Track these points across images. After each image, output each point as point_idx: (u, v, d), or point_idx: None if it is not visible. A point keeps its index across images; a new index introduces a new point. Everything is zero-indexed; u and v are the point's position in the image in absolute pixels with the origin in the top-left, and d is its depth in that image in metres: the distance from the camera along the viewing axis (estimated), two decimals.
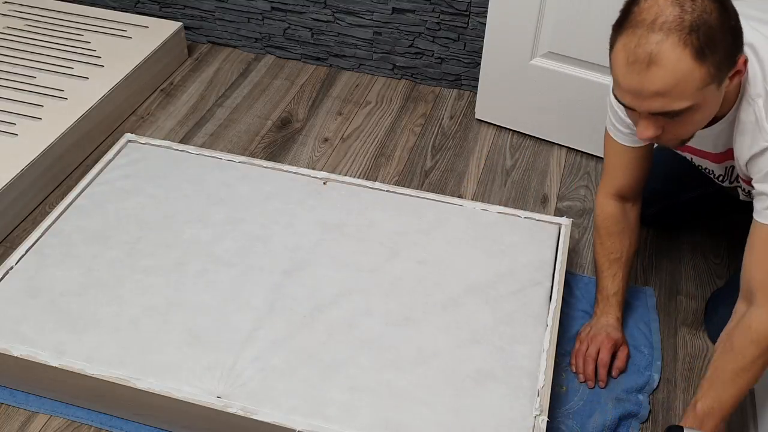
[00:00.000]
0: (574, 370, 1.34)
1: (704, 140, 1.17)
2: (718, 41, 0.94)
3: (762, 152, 1.03)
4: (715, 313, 1.42)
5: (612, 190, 1.35)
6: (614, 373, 1.33)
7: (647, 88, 0.96)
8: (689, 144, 1.12)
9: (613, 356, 1.33)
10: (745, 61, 1.01)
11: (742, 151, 1.08)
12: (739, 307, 1.09)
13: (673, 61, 0.93)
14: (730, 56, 0.97)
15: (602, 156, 1.83)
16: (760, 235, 1.06)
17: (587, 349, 1.32)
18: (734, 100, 1.07)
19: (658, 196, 1.50)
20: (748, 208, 1.11)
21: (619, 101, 1.03)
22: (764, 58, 1.04)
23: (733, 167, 1.20)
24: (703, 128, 1.07)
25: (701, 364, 1.38)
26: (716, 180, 1.29)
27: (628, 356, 1.35)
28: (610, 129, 1.29)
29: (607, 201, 1.36)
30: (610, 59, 1.00)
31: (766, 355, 1.04)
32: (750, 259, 1.08)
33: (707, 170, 1.28)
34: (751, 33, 1.03)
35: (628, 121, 1.19)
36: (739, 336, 1.06)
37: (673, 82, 0.94)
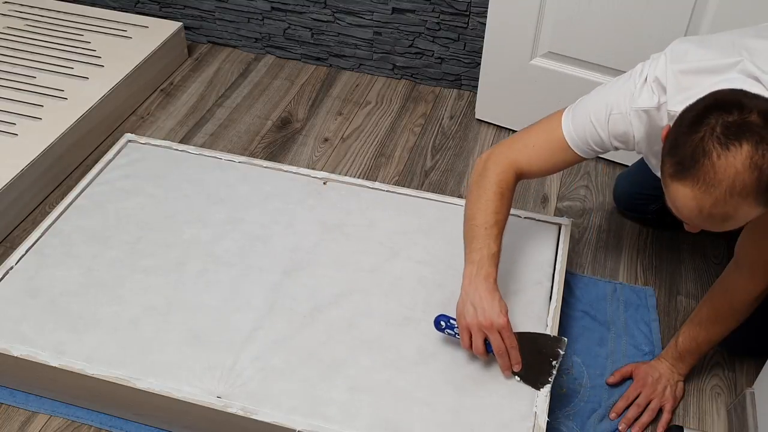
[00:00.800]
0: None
1: None
2: None
3: None
4: None
5: (521, 168, 1.24)
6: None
7: (716, 230, 0.98)
8: None
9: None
10: None
11: None
12: (730, 265, 1.21)
13: (746, 216, 0.94)
14: None
15: (602, 156, 1.85)
16: (755, 221, 1.09)
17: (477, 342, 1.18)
18: None
19: (661, 191, 1.48)
20: None
21: (674, 214, 1.01)
22: None
23: None
24: None
25: (701, 363, 1.38)
26: None
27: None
28: (572, 141, 1.21)
29: (508, 169, 1.23)
30: (668, 186, 0.97)
31: (737, 314, 1.21)
32: (743, 233, 1.16)
33: None
34: None
35: (609, 147, 1.18)
36: (719, 292, 1.22)
37: (739, 224, 0.97)
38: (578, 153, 1.21)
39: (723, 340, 1.27)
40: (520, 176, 1.26)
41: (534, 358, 1.19)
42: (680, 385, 1.31)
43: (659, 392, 1.29)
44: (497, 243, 1.20)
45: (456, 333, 1.22)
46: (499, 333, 1.15)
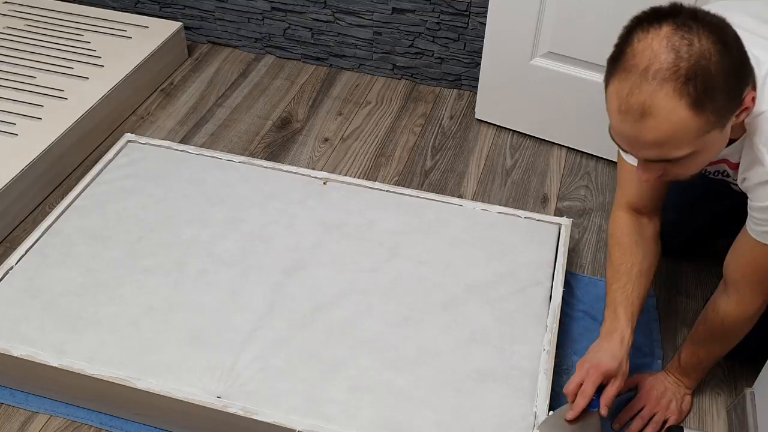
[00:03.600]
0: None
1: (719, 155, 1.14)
2: (719, 88, 0.86)
3: (760, 184, 1.00)
4: None
5: (625, 203, 1.25)
6: (601, 406, 1.13)
7: (642, 139, 0.90)
8: None
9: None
10: (753, 97, 0.93)
11: (745, 168, 1.04)
12: (720, 286, 1.19)
13: (667, 113, 0.86)
14: (733, 98, 0.89)
15: (602, 156, 1.85)
16: (743, 239, 1.09)
17: (574, 379, 1.16)
18: (744, 126, 1.01)
19: (675, 225, 1.46)
20: None
21: (614, 141, 0.96)
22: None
23: None
24: None
25: None
26: (731, 183, 1.24)
27: (622, 388, 1.21)
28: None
29: (619, 214, 1.26)
30: (606, 97, 0.92)
31: (731, 334, 1.19)
32: (732, 253, 1.14)
33: (723, 173, 1.21)
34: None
35: None
36: (712, 313, 1.19)
37: (670, 133, 0.88)
38: (629, 161, 1.19)
39: None
40: (635, 212, 1.24)
41: (572, 426, 1.14)
42: (687, 398, 1.30)
43: (663, 406, 1.28)
44: (623, 294, 1.19)
45: None
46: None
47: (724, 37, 0.86)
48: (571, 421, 1.13)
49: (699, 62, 0.84)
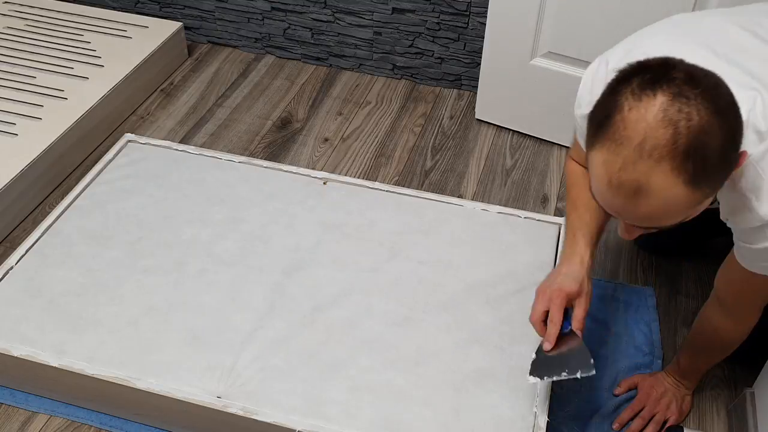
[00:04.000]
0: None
1: None
2: (716, 163, 0.79)
3: (752, 229, 0.95)
4: None
5: (578, 159, 1.21)
6: (575, 327, 1.10)
7: (633, 212, 0.84)
8: None
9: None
10: (745, 155, 0.85)
11: (730, 212, 0.99)
12: (712, 298, 1.18)
13: (663, 191, 0.79)
14: (729, 167, 0.82)
15: None
16: (732, 261, 1.05)
17: (536, 308, 1.13)
18: None
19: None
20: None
21: (598, 203, 0.89)
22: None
23: None
24: None
25: None
26: None
27: (588, 310, 1.16)
28: (579, 140, 1.13)
29: (575, 163, 1.23)
30: (588, 159, 0.85)
31: (728, 345, 1.19)
32: (723, 273, 1.12)
33: None
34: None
35: None
36: (707, 325, 1.19)
37: (663, 209, 0.82)
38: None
39: None
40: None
41: (558, 355, 1.11)
42: (687, 399, 1.30)
43: (663, 406, 1.28)
44: (582, 220, 1.16)
45: None
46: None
47: (720, 105, 0.78)
48: (553, 349, 1.10)
49: (698, 137, 0.76)
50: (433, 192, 1.64)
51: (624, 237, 0.94)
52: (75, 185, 1.58)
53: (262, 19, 2.16)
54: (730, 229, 1.10)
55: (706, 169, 0.79)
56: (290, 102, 2.05)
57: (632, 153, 0.78)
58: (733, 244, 1.04)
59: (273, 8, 2.13)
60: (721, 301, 1.14)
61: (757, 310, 1.11)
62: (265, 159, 1.78)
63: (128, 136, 1.70)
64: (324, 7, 2.07)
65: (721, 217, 1.02)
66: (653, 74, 0.79)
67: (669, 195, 0.79)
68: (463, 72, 2.07)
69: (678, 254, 1.58)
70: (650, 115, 0.77)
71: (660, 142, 0.77)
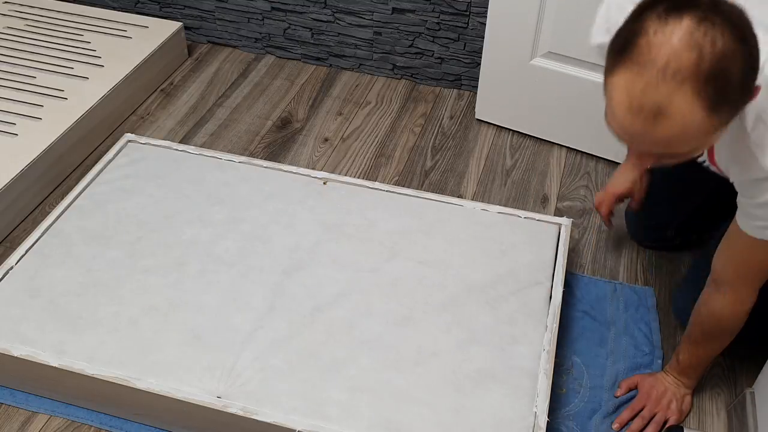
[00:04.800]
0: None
1: None
2: (736, 90, 0.81)
3: (756, 180, 0.97)
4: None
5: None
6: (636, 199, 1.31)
7: (650, 137, 0.85)
8: None
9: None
10: (759, 88, 0.86)
11: (731, 165, 1.02)
12: (709, 284, 1.18)
13: (683, 114, 0.80)
14: (747, 96, 0.84)
15: (602, 156, 1.84)
16: (735, 236, 1.07)
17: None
18: None
19: (665, 215, 1.48)
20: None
21: (611, 131, 0.90)
22: None
23: None
24: None
25: None
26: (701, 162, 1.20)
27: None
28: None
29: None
30: (606, 85, 0.86)
31: (729, 331, 1.18)
32: (723, 251, 1.13)
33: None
34: None
35: None
36: (706, 314, 1.18)
37: (680, 133, 0.83)
38: None
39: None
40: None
41: None
42: (687, 398, 1.30)
43: (663, 406, 1.28)
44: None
45: None
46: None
47: (743, 33, 0.80)
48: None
49: (721, 62, 0.78)
50: (433, 192, 1.64)
51: (635, 168, 0.98)
52: (75, 185, 1.58)
53: (262, 19, 2.16)
54: (728, 224, 1.11)
55: (726, 95, 0.80)
56: (290, 102, 2.05)
57: (655, 75, 0.79)
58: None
59: (273, 8, 2.13)
60: (720, 281, 1.14)
61: (755, 288, 1.11)
62: (265, 159, 1.78)
63: (128, 136, 1.70)
64: (324, 7, 2.07)
65: (721, 167, 1.03)
66: (679, 0, 0.80)
67: (688, 119, 0.80)
68: (463, 72, 2.07)
69: (678, 248, 1.58)
70: (675, 38, 0.78)
71: (684, 65, 0.78)
